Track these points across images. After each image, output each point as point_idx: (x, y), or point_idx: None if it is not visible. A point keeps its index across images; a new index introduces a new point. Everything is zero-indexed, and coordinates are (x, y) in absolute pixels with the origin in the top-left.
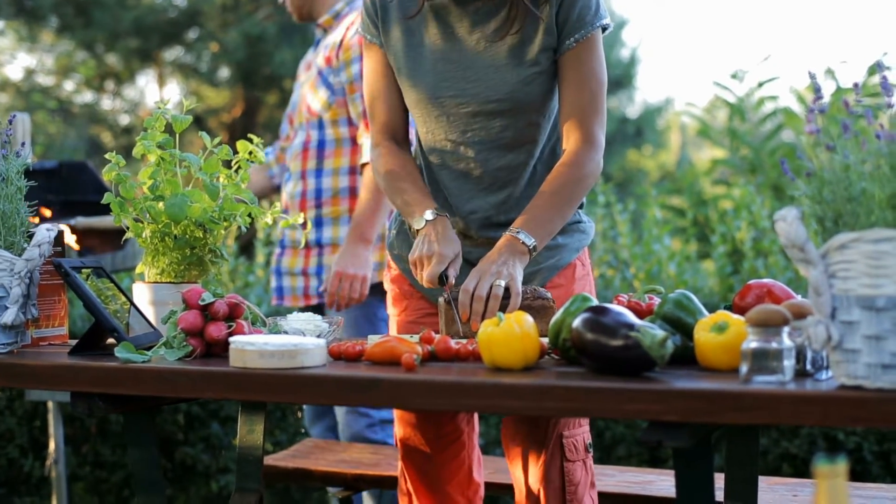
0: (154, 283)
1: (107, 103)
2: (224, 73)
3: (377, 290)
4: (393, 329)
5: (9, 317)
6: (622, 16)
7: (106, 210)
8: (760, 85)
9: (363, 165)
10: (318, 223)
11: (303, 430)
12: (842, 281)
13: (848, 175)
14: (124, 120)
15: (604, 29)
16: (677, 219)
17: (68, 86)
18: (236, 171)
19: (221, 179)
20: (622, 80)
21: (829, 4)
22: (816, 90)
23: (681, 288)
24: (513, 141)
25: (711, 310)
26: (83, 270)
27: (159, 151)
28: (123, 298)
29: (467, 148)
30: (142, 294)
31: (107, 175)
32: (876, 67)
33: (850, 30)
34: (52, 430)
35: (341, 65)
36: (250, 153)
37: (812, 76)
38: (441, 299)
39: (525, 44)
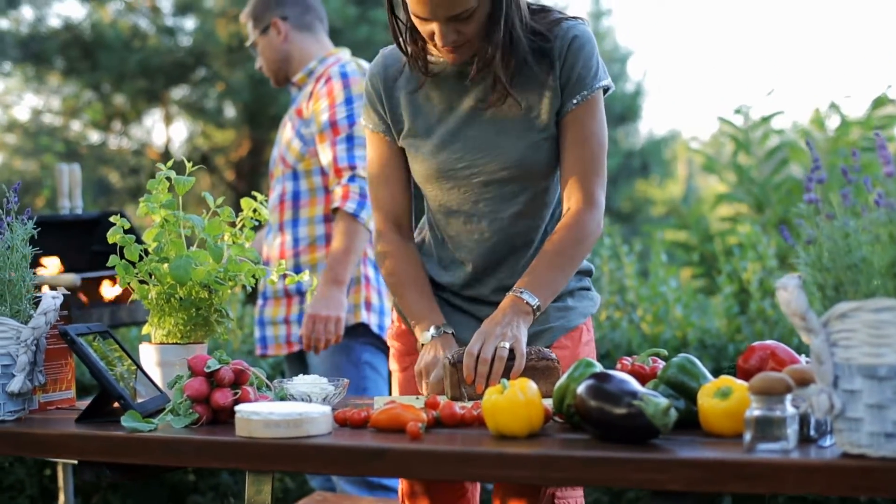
0: (160, 344)
1: (114, 142)
2: (230, 112)
3: (357, 332)
4: (395, 385)
5: (16, 385)
6: (627, 48)
7: None
8: (765, 120)
9: (335, 210)
10: (297, 272)
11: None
12: (843, 349)
13: (848, 242)
14: (132, 160)
15: (605, 90)
16: (684, 254)
17: (75, 126)
18: (240, 229)
19: (226, 239)
20: (627, 113)
21: (835, 38)
22: (815, 161)
23: (688, 329)
24: (526, 207)
25: (719, 351)
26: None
27: (164, 212)
28: (129, 361)
29: (481, 216)
30: (148, 355)
31: (111, 238)
32: (880, 101)
33: (854, 63)
34: (61, 482)
35: (311, 115)
36: (254, 211)
37: (810, 145)
38: (446, 361)
39: (531, 110)
